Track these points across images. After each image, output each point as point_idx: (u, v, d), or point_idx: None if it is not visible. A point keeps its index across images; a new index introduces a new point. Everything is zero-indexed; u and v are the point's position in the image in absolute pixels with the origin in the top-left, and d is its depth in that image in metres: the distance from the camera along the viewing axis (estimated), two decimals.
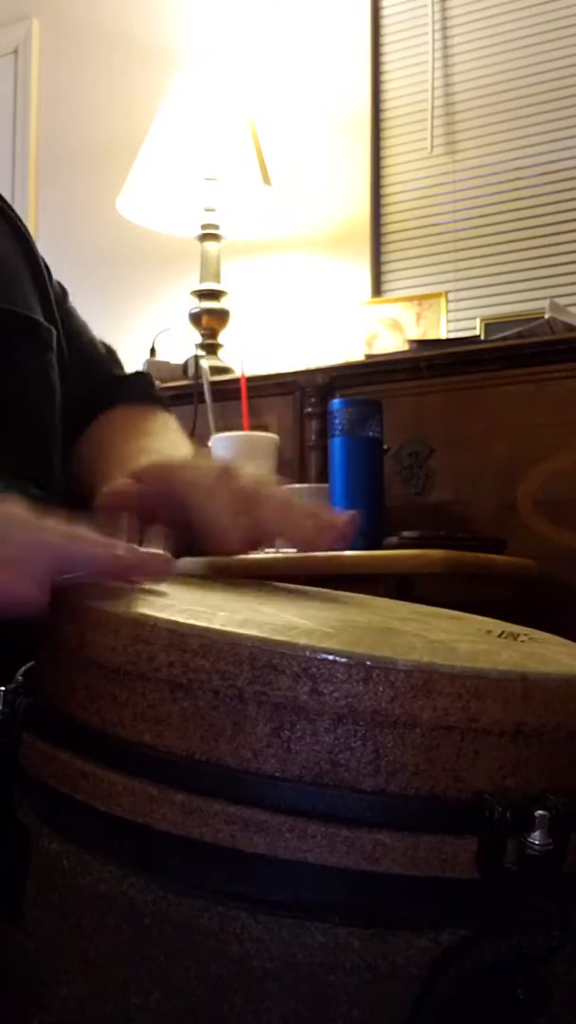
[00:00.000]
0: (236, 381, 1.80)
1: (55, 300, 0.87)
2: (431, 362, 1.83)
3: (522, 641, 0.47)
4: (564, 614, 1.63)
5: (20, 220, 0.89)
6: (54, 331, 0.83)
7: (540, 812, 0.37)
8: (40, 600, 0.45)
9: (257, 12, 2.49)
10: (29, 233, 0.89)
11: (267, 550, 1.46)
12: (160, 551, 0.52)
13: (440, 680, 0.37)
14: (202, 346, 2.22)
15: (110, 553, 0.47)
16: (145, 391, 0.91)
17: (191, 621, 0.39)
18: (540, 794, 0.37)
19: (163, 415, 0.88)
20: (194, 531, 0.61)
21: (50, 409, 0.81)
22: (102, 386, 0.89)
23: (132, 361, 1.05)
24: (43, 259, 0.89)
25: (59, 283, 0.92)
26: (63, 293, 0.92)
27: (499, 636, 0.47)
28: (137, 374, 0.94)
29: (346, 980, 0.36)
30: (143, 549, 0.51)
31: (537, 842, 0.36)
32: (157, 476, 0.64)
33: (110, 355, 0.94)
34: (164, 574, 0.50)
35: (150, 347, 2.18)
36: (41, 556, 0.46)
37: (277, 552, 1.46)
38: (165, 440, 0.80)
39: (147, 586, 0.47)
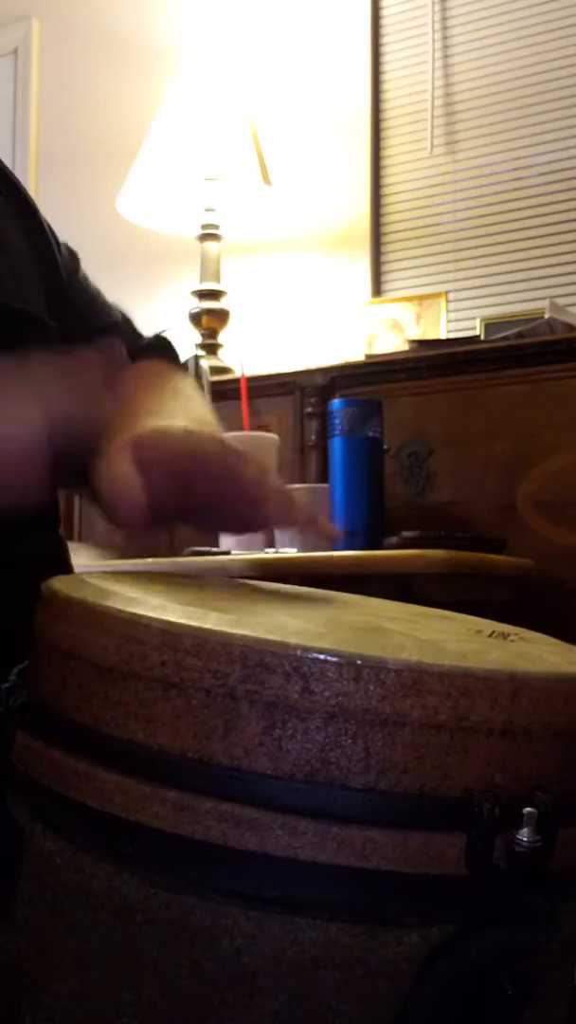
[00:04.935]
0: (236, 381, 1.80)
1: (65, 273, 0.81)
2: (431, 362, 1.83)
3: (512, 641, 0.47)
4: (564, 614, 1.64)
5: (21, 186, 0.81)
6: (57, 327, 0.78)
7: (528, 809, 0.37)
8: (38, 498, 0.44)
9: (257, 12, 2.50)
10: (31, 200, 0.82)
11: (267, 550, 1.47)
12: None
13: (429, 679, 0.37)
14: (202, 346, 2.23)
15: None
16: (163, 352, 0.85)
17: (183, 620, 0.39)
18: (528, 791, 0.38)
19: (180, 374, 0.81)
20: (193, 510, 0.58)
21: None
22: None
23: None
24: (47, 225, 0.82)
25: (67, 248, 0.85)
26: (73, 260, 0.85)
27: (489, 636, 0.48)
28: (157, 337, 0.86)
29: (336, 975, 0.37)
30: None
31: (525, 839, 0.37)
32: (156, 447, 0.57)
33: (127, 324, 0.87)
34: None
35: None
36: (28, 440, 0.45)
37: (277, 552, 1.46)
38: (180, 400, 0.73)
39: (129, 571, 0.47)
